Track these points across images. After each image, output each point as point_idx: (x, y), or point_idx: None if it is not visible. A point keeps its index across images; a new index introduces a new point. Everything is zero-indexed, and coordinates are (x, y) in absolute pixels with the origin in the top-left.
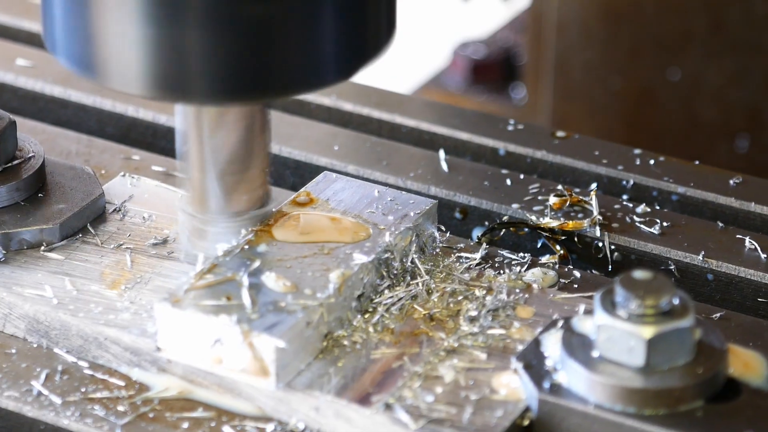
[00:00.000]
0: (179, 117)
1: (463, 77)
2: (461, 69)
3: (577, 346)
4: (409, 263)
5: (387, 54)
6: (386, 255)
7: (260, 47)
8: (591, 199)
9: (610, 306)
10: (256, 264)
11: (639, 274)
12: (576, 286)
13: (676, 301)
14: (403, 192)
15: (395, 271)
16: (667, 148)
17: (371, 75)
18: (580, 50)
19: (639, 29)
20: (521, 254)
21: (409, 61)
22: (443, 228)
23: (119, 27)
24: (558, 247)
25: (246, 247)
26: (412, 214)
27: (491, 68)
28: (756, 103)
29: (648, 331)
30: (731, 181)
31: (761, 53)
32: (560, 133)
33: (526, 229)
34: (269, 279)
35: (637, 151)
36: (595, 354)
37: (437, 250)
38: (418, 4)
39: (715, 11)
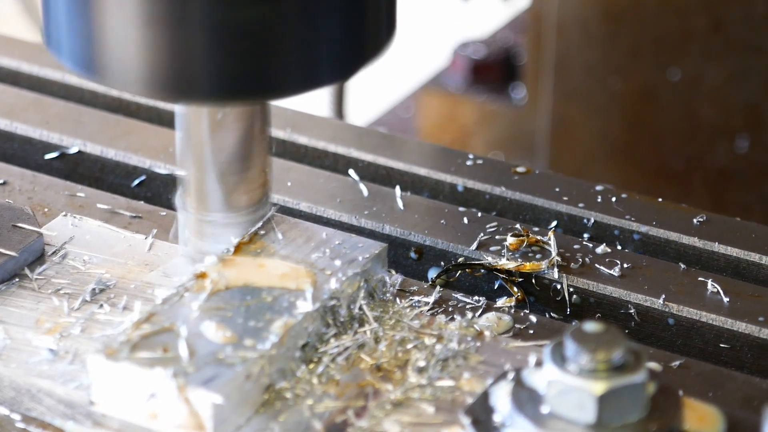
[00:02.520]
0: (179, 117)
1: (463, 77)
2: (461, 69)
3: (527, 400)
4: (356, 310)
5: (387, 54)
6: (332, 302)
7: (260, 47)
8: (549, 239)
9: (560, 360)
10: (196, 313)
11: (590, 326)
12: (531, 331)
13: (628, 355)
14: (352, 235)
15: (342, 319)
16: (666, 148)
17: (371, 75)
18: (580, 50)
19: (639, 29)
20: (476, 298)
21: (409, 61)
22: (392, 271)
23: (120, 28)
24: (515, 289)
25: (185, 294)
26: (360, 258)
27: (491, 68)
28: (756, 103)
29: (599, 387)
30: (695, 220)
31: (761, 53)
32: (520, 169)
33: (483, 271)
34: (209, 329)
35: (599, 187)
36: (544, 410)
37: (388, 294)
38: (418, 4)
39: (715, 11)
